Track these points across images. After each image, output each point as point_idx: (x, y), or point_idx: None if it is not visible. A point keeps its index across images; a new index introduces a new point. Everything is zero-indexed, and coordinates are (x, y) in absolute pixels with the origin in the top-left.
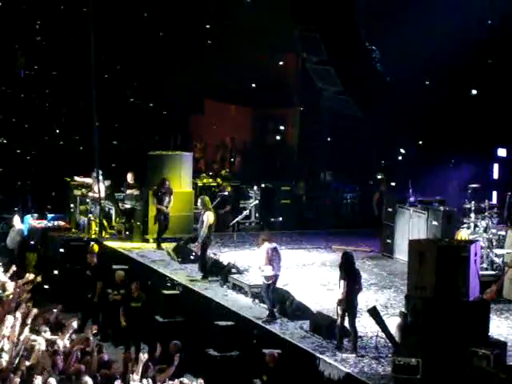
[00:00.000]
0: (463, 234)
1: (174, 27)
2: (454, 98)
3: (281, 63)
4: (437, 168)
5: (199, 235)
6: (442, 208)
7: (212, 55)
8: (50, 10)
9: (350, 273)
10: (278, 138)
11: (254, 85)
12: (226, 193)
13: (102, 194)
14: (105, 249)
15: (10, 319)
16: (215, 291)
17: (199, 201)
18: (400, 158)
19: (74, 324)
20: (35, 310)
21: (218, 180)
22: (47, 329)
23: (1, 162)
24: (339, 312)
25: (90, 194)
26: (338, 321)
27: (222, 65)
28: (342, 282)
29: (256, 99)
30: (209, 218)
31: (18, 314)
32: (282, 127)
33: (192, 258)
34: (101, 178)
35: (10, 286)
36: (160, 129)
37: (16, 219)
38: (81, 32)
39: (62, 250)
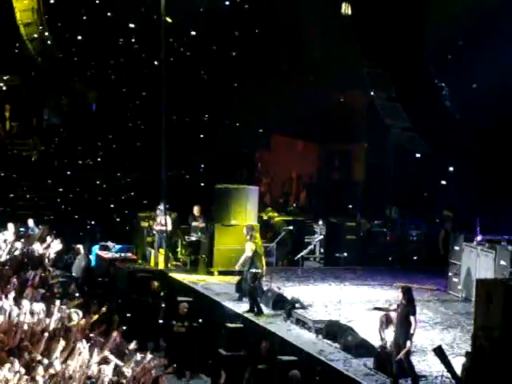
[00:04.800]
0: None
1: (244, 63)
2: None
3: (342, 99)
4: (506, 206)
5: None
6: (510, 247)
7: (280, 91)
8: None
9: (415, 308)
10: (343, 173)
11: (320, 120)
12: (292, 227)
13: (169, 227)
14: (170, 280)
15: (78, 348)
16: (279, 326)
17: (244, 229)
18: (467, 195)
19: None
20: (101, 340)
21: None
22: (113, 358)
23: (72, 194)
24: (408, 347)
25: (156, 226)
26: (401, 358)
27: (290, 101)
28: (413, 317)
29: (323, 135)
30: (250, 246)
31: (85, 344)
32: (349, 162)
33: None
34: (161, 208)
35: (77, 316)
36: (228, 163)
37: (80, 247)
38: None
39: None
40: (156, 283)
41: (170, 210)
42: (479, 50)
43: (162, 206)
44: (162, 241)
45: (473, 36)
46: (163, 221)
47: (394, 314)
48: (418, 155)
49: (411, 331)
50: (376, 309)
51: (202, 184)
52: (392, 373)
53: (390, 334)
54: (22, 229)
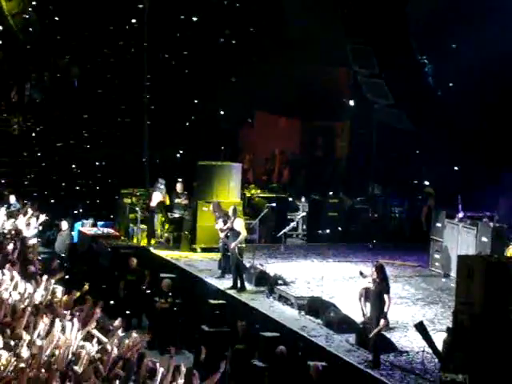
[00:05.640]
0: None
1: (225, 40)
2: (506, 112)
3: (325, 76)
4: (487, 183)
5: (235, 241)
6: (491, 224)
7: (263, 68)
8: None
9: (389, 286)
10: (326, 150)
11: (303, 97)
12: (274, 204)
13: (153, 204)
14: (152, 257)
15: (58, 324)
16: (261, 302)
17: (231, 209)
18: (449, 172)
19: (119, 326)
20: (84, 316)
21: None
22: (97, 333)
23: (54, 168)
24: (381, 326)
25: (152, 203)
26: (375, 334)
27: (273, 77)
28: (386, 295)
29: (306, 112)
30: (241, 224)
31: (68, 320)
32: (332, 139)
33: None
34: (162, 187)
35: (60, 292)
36: (210, 140)
37: (64, 223)
38: (134, 39)
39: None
40: (135, 260)
41: (165, 187)
42: (462, 26)
43: (160, 184)
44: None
45: (456, 12)
46: (159, 198)
47: (372, 283)
48: (400, 132)
49: (385, 309)
50: (361, 274)
51: (185, 161)
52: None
53: (368, 307)
54: (4, 205)
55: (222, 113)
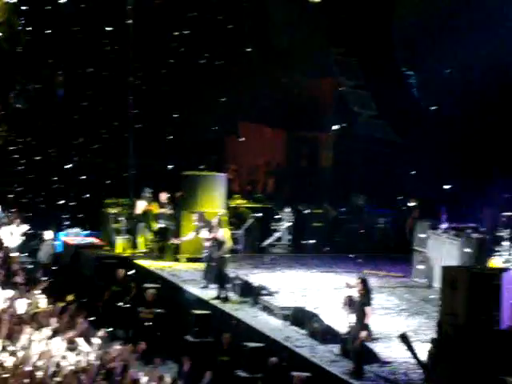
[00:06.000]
0: (495, 261)
1: (211, 49)
2: (489, 125)
3: (310, 87)
4: (471, 194)
5: (219, 251)
6: (474, 235)
7: (247, 78)
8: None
9: (371, 299)
10: (311, 161)
11: (288, 108)
12: (261, 214)
13: (138, 212)
14: (137, 267)
15: (41, 334)
16: (246, 312)
17: (215, 219)
18: (434, 183)
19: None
20: (68, 326)
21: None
22: (81, 344)
23: (38, 179)
24: (363, 337)
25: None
26: (357, 346)
27: (258, 87)
28: (368, 308)
29: (291, 122)
30: (226, 234)
31: (50, 330)
32: (317, 149)
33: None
34: (148, 195)
35: (43, 302)
36: (194, 150)
37: (47, 233)
38: (120, 52)
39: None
40: (122, 271)
41: (151, 195)
42: (447, 37)
43: (146, 193)
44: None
45: (441, 23)
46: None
47: (355, 291)
48: (385, 142)
49: (365, 321)
50: (347, 285)
51: (169, 171)
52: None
53: (352, 316)
54: None
55: (206, 123)
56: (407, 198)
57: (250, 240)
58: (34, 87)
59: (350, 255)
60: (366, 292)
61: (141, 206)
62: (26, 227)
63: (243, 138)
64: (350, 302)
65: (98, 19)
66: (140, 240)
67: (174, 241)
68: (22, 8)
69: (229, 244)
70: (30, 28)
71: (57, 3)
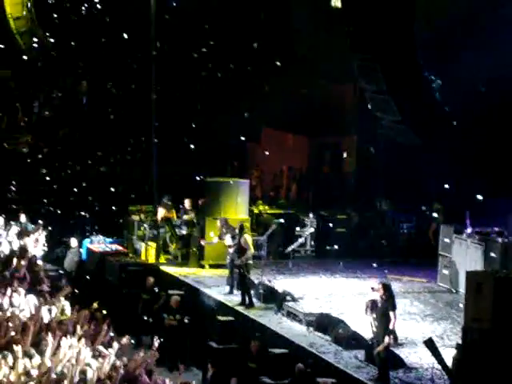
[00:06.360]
0: None
1: (234, 56)
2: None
3: (332, 93)
4: (496, 198)
5: (242, 257)
6: (500, 239)
7: (270, 84)
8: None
9: (395, 304)
10: (333, 166)
11: (310, 113)
12: (282, 220)
13: (158, 217)
14: (161, 274)
15: (66, 342)
16: (270, 319)
17: (238, 225)
18: (458, 187)
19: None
20: (92, 334)
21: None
22: (105, 351)
23: (63, 186)
24: (390, 342)
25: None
26: (383, 352)
27: (280, 94)
28: (392, 313)
29: (313, 128)
30: (249, 240)
31: (76, 338)
32: (339, 155)
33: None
34: (168, 202)
35: (68, 310)
36: (218, 156)
37: (73, 241)
38: (143, 61)
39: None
40: (152, 279)
41: (169, 201)
42: (471, 42)
43: (166, 200)
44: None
45: (463, 29)
46: (163, 213)
47: (378, 296)
48: (408, 147)
49: (390, 327)
50: (372, 289)
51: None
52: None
53: (374, 320)
54: (13, 224)
55: (229, 129)
56: (431, 203)
57: (274, 246)
58: (58, 95)
59: (374, 262)
60: (389, 297)
61: (160, 212)
62: (48, 235)
63: (267, 152)
64: (372, 306)
65: (120, 27)
66: (164, 247)
67: (201, 241)
68: (45, 17)
69: (252, 250)
70: (52, 38)
71: (80, 12)
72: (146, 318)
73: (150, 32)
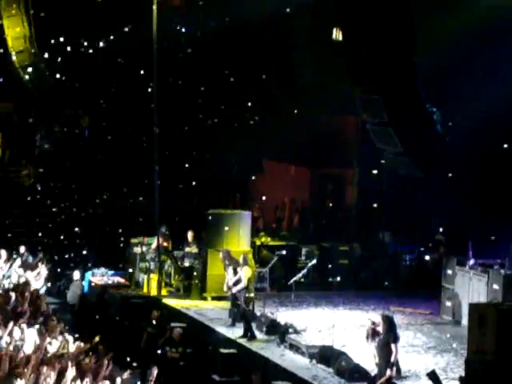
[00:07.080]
0: None
1: (236, 88)
2: None
3: (333, 125)
4: (498, 230)
5: (243, 290)
6: (502, 271)
7: (272, 116)
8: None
9: (397, 335)
10: (336, 198)
11: (312, 145)
12: (284, 252)
13: (153, 246)
14: (163, 306)
15: (68, 376)
16: (272, 351)
17: (241, 257)
18: (460, 219)
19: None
20: (94, 367)
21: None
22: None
23: (66, 219)
24: (392, 374)
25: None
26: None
27: (282, 126)
28: (393, 344)
29: (315, 159)
30: (246, 272)
31: (78, 372)
32: (342, 187)
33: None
34: (165, 232)
35: (70, 343)
36: (220, 188)
37: (76, 273)
38: (144, 95)
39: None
40: (156, 312)
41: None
42: (471, 74)
43: (162, 229)
44: (154, 266)
45: (462, 61)
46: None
47: (380, 327)
48: (410, 179)
49: (391, 359)
50: (373, 324)
51: (195, 209)
52: None
53: (376, 349)
54: (14, 256)
55: (231, 161)
56: (433, 235)
57: (276, 278)
58: (59, 129)
59: (376, 294)
60: (390, 330)
61: (156, 241)
62: (45, 269)
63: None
64: (373, 333)
65: (121, 60)
66: (166, 279)
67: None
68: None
69: (244, 283)
70: (54, 70)
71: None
72: (149, 352)
73: (153, 66)
